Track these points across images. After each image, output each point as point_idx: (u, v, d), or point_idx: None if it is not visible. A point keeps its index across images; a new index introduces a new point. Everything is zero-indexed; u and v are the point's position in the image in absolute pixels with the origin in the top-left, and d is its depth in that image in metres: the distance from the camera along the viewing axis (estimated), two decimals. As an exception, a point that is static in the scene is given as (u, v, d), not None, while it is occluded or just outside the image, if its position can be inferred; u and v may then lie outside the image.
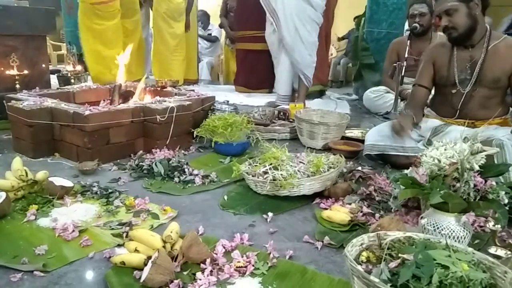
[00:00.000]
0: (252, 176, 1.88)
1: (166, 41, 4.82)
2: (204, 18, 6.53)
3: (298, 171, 1.86)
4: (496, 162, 1.82)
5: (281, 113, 3.16)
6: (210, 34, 6.63)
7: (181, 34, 4.93)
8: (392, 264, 0.97)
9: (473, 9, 2.02)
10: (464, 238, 1.29)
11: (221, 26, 5.93)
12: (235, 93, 4.76)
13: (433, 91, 2.39)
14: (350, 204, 1.74)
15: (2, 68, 2.95)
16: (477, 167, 1.34)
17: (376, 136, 2.26)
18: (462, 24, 2.03)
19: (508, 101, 2.24)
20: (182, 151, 2.46)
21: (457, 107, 2.18)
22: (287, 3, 3.50)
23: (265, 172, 1.85)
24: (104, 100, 2.83)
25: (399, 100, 3.54)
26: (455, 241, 1.25)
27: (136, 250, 1.30)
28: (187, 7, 4.99)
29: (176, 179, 2.01)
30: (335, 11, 4.49)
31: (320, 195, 1.84)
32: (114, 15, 4.12)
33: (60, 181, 1.78)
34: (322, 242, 1.46)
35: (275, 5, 3.55)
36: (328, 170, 1.88)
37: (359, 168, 2.17)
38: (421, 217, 1.39)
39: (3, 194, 1.58)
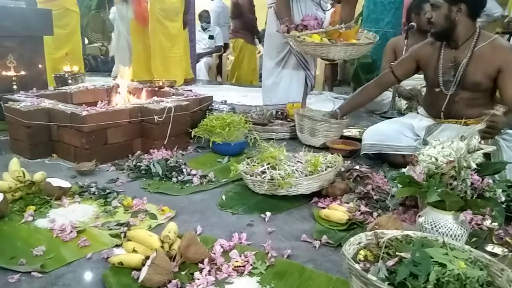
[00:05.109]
0: (250, 175, 1.88)
1: (161, 41, 4.79)
2: (206, 16, 6.44)
3: (296, 170, 1.86)
4: (492, 160, 1.83)
5: (279, 113, 3.16)
6: (212, 36, 6.50)
7: (176, 34, 4.88)
8: (390, 263, 0.98)
9: (452, 13, 2.02)
10: (461, 236, 1.30)
11: (249, 27, 5.49)
12: (233, 93, 4.75)
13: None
14: (348, 203, 1.75)
15: (-1, 69, 2.94)
16: (474, 165, 1.34)
17: (373, 135, 2.27)
18: (439, 23, 2.06)
19: None
20: (180, 151, 2.46)
21: (441, 109, 2.19)
22: None
23: (263, 172, 1.85)
24: (101, 101, 2.82)
25: (396, 98, 3.57)
26: (452, 239, 1.26)
27: (134, 251, 1.30)
28: (185, 6, 4.96)
29: (174, 179, 2.01)
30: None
31: (318, 194, 1.84)
32: (63, 15, 4.23)
33: (57, 182, 1.78)
34: (320, 241, 1.46)
35: None
36: (325, 169, 1.88)
37: (357, 167, 2.17)
38: (419, 216, 1.39)
39: (1, 195, 1.58)
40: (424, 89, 3.27)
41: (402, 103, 3.56)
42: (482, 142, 1.43)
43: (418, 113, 2.47)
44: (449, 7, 2.02)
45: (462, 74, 2.09)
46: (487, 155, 1.86)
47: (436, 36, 2.15)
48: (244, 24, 5.65)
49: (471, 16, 2.05)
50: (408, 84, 3.59)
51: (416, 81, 3.57)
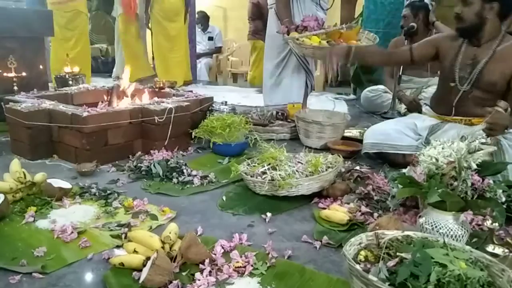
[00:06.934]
0: (251, 176, 1.88)
1: (160, 42, 4.78)
2: (204, 20, 6.45)
3: (297, 171, 1.86)
4: (494, 160, 1.83)
5: (279, 113, 3.16)
6: (212, 37, 6.49)
7: (177, 35, 4.85)
8: (390, 263, 0.98)
9: (485, 10, 2.01)
10: (462, 236, 1.30)
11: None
12: (233, 94, 4.75)
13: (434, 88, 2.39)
14: (348, 203, 1.75)
15: (0, 70, 2.94)
16: (474, 166, 1.34)
17: (375, 135, 2.27)
18: (469, 19, 2.03)
19: None
20: (181, 152, 2.46)
21: (453, 104, 2.18)
22: None
23: (264, 173, 1.85)
24: (102, 102, 2.82)
25: (396, 100, 3.57)
26: (453, 239, 1.26)
27: (135, 251, 1.30)
28: (186, 5, 4.94)
29: (175, 180, 2.01)
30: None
31: (318, 195, 1.84)
32: (74, 17, 4.23)
33: (58, 182, 1.78)
34: (321, 241, 1.46)
35: None
36: (326, 170, 1.88)
37: (357, 167, 2.17)
38: (419, 216, 1.39)
39: (1, 196, 1.58)
40: (423, 96, 3.32)
41: (402, 106, 3.57)
42: (489, 139, 1.42)
43: (420, 113, 2.47)
44: (482, 4, 2.00)
45: (479, 73, 2.08)
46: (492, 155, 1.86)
47: (461, 32, 2.12)
48: (265, 25, 5.58)
49: (501, 16, 2.04)
50: (408, 87, 3.60)
51: (417, 85, 3.58)
